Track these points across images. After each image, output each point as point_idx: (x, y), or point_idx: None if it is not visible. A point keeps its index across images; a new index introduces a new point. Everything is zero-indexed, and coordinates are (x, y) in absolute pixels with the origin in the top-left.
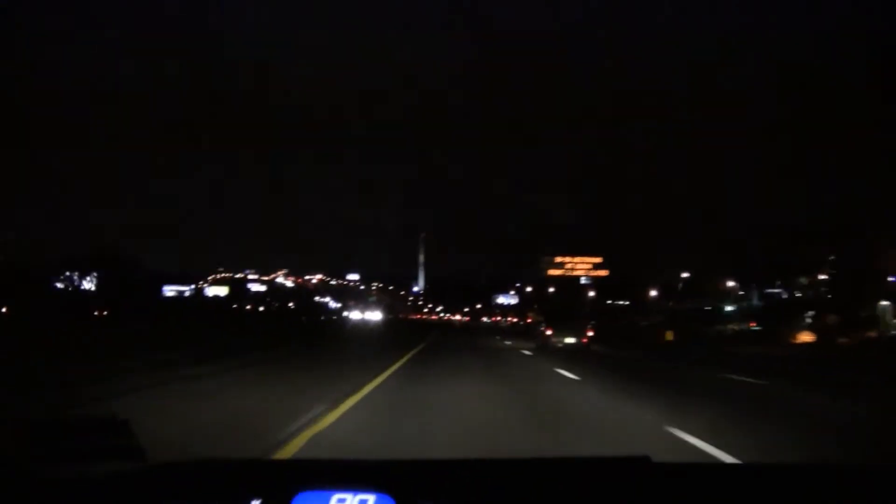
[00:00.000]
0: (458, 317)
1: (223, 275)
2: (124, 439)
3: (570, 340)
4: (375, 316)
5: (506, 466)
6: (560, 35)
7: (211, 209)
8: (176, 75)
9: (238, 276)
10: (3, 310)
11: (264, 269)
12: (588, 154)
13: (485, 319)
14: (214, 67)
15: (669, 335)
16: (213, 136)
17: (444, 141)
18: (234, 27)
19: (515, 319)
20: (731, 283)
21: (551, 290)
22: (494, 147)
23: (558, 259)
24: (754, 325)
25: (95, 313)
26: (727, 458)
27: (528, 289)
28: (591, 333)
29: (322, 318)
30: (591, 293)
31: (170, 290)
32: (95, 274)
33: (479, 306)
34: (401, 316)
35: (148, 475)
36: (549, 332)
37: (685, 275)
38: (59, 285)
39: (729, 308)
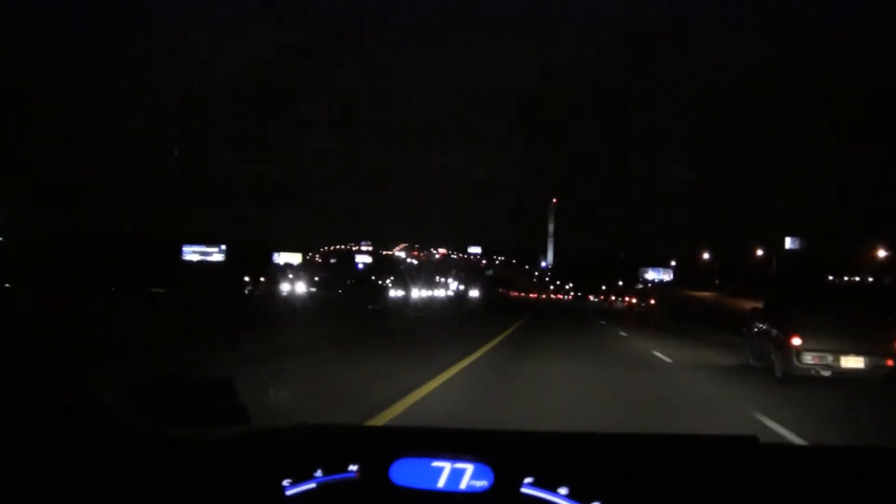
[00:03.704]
0: (560, 296)
1: (334, 247)
2: (227, 400)
3: (854, 363)
4: (438, 293)
5: (607, 441)
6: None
7: (336, 185)
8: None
9: (353, 248)
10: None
11: (385, 244)
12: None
13: (592, 298)
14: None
15: None
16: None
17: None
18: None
19: (634, 300)
20: None
21: (760, 252)
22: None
23: None
24: None
25: None
26: None
27: (706, 255)
28: None
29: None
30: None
31: (192, 253)
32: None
33: (620, 283)
34: (502, 291)
35: (248, 439)
36: (795, 342)
37: None
38: None
39: None
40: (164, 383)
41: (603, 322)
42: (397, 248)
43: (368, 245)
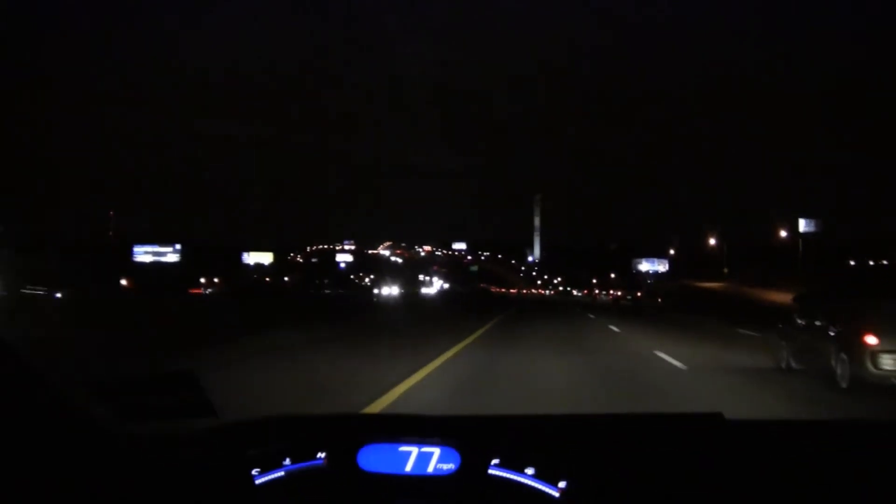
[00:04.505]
0: (541, 291)
1: (317, 247)
2: (193, 394)
3: None
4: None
5: (574, 422)
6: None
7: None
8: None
9: (337, 247)
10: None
11: (370, 243)
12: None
13: (575, 293)
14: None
15: None
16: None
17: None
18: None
19: (619, 293)
20: None
21: (784, 233)
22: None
23: None
24: None
25: None
26: None
27: (713, 240)
28: None
29: None
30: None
31: (143, 253)
32: None
33: (612, 276)
34: (483, 287)
35: (216, 431)
36: (870, 340)
37: None
38: None
39: None
40: (127, 379)
41: (591, 316)
42: (382, 246)
43: (352, 244)
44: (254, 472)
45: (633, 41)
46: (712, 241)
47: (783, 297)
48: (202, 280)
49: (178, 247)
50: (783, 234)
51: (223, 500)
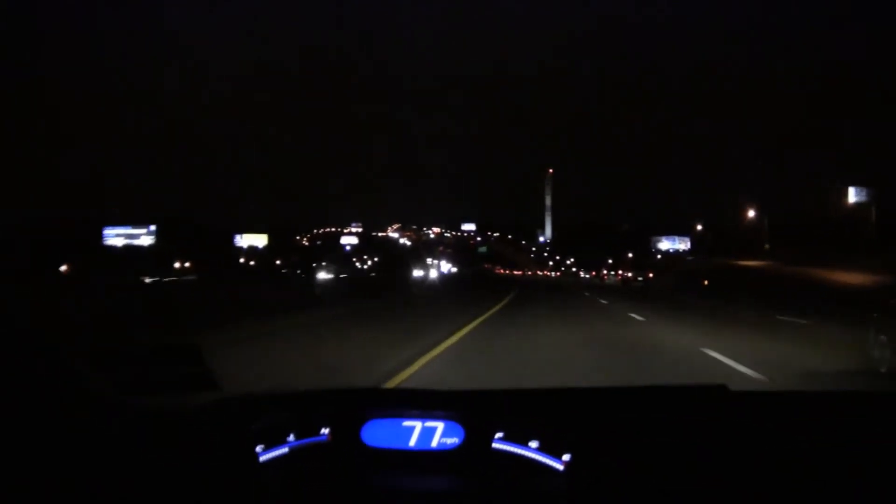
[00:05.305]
0: (547, 272)
1: (324, 230)
2: (195, 367)
3: None
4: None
5: (579, 395)
6: None
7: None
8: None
9: (344, 230)
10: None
11: (380, 225)
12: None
13: (583, 274)
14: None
15: None
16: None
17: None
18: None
19: (629, 274)
20: None
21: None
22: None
23: None
24: None
25: None
26: None
27: (751, 213)
28: None
29: None
30: None
31: (115, 236)
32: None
33: (630, 255)
34: (487, 267)
35: (220, 407)
36: None
37: None
38: None
39: None
40: (130, 352)
41: (605, 302)
42: (391, 228)
43: (359, 226)
44: (258, 448)
45: (633, 41)
46: (751, 213)
47: (852, 278)
48: (176, 265)
49: (152, 228)
50: (848, 200)
51: (227, 478)
